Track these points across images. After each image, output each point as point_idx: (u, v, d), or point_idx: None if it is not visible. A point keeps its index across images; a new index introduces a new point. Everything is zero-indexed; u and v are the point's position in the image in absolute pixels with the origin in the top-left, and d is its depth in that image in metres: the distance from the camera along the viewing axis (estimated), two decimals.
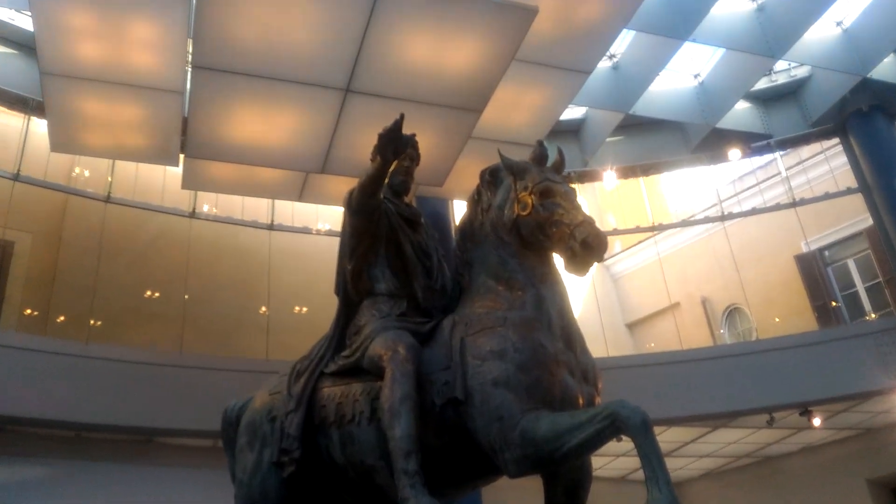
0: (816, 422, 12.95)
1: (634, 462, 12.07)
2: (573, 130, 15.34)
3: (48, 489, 10.49)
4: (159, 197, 13.36)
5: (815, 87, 14.75)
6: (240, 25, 8.40)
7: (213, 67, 8.99)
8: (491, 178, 3.81)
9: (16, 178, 12.07)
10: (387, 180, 3.99)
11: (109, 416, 10.33)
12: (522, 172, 3.63)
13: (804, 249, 15.53)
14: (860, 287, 14.98)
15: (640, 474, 2.92)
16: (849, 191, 14.52)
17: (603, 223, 16.87)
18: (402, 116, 3.65)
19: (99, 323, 12.62)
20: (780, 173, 16.03)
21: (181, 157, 11.19)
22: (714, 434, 14.10)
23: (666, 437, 13.24)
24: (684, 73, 14.63)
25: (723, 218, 15.77)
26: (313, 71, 9.17)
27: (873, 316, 14.52)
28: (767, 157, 16.05)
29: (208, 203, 13.85)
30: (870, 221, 14.28)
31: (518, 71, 10.03)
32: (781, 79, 15.11)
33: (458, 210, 12.95)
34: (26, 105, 12.25)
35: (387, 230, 3.97)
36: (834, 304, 15.07)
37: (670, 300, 16.16)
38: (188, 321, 13.07)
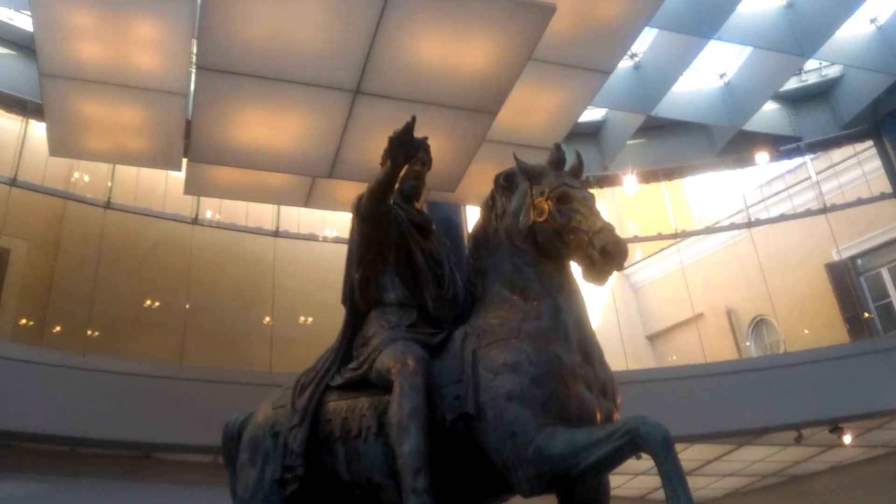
0: (847, 439, 12.85)
1: (655, 481, 12.03)
2: (592, 133, 15.34)
3: None
4: (161, 202, 13.43)
5: (848, 88, 14.69)
6: (245, 25, 8.44)
7: (217, 68, 9.04)
8: (506, 183, 3.80)
9: (13, 183, 12.17)
10: (397, 185, 4.00)
11: (106, 431, 10.37)
12: (539, 177, 3.63)
13: (835, 258, 15.43)
14: (894, 297, 14.86)
15: (661, 494, 2.91)
16: (882, 196, 14.43)
17: (623, 230, 16.80)
18: (413, 119, 3.66)
19: (97, 333, 12.69)
20: (810, 178, 15.94)
21: (184, 161, 11.26)
22: (739, 452, 14.02)
23: (688, 455, 13.17)
24: (709, 73, 14.61)
25: (749, 225, 15.70)
26: (321, 72, 9.21)
27: None
28: (797, 160, 15.99)
29: (211, 209, 13.92)
30: None
31: (535, 71, 10.04)
32: (812, 78, 15.07)
33: (472, 216, 12.95)
34: (24, 107, 12.36)
35: (397, 237, 3.97)
36: (867, 315, 14.95)
37: (693, 311, 16.09)
38: (189, 332, 13.13)
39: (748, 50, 13.81)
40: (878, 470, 14.70)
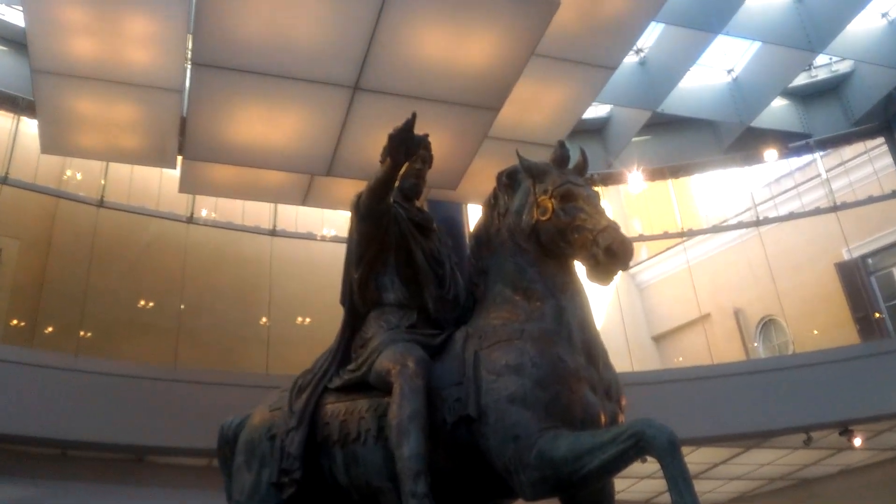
0: (857, 442, 12.87)
1: (660, 485, 12.03)
2: (597, 130, 15.34)
3: None
4: (155, 201, 13.45)
5: (858, 83, 14.70)
6: (242, 20, 8.44)
7: (213, 64, 9.04)
8: (508, 181, 3.80)
9: (4, 181, 12.20)
10: (397, 183, 4.00)
11: (99, 433, 10.38)
12: (542, 175, 3.63)
13: (845, 257, 15.44)
14: None
15: (667, 498, 2.91)
16: (894, 194, 14.45)
17: (628, 229, 16.82)
18: (414, 115, 3.65)
19: (89, 334, 12.71)
20: (819, 175, 15.95)
21: (179, 158, 11.26)
22: (746, 455, 14.03)
23: (694, 459, 13.19)
24: (717, 69, 14.62)
25: (758, 223, 15.71)
26: (320, 67, 9.21)
27: None
28: (806, 157, 15.99)
29: (207, 207, 13.93)
30: None
31: (538, 66, 10.04)
32: (822, 74, 15.08)
33: (473, 215, 12.95)
34: (16, 104, 12.39)
35: (397, 236, 3.97)
36: (877, 315, 14.96)
37: (700, 311, 16.11)
38: (184, 333, 13.15)
39: (757, 45, 13.81)
40: (888, 473, 14.71)
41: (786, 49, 13.02)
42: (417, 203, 4.30)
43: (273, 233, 14.20)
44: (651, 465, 3.22)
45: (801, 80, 14.83)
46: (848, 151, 15.64)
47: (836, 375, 12.43)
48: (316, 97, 9.62)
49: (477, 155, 10.75)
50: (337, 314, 4.13)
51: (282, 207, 14.16)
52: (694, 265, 16.48)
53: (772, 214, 15.86)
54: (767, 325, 16.66)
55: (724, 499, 16.40)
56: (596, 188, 3.70)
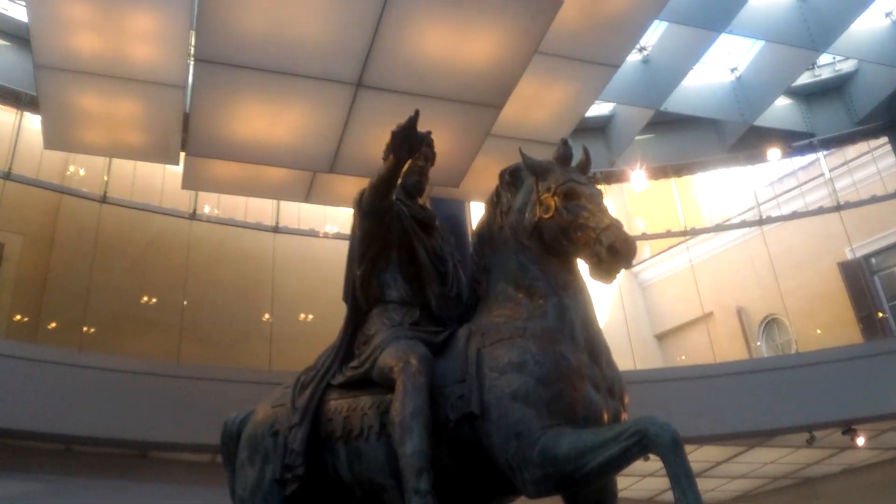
0: (860, 441, 12.86)
1: (663, 483, 12.04)
2: (600, 128, 15.34)
3: None
4: (158, 197, 13.46)
5: (862, 83, 14.68)
6: (245, 16, 8.45)
7: (216, 61, 9.04)
8: (511, 179, 3.80)
9: (7, 176, 12.21)
10: (400, 181, 4.00)
11: (102, 429, 10.39)
12: (545, 173, 3.63)
13: (849, 256, 15.42)
14: None
15: (669, 496, 2.91)
16: None
17: (631, 227, 16.82)
18: (416, 113, 3.65)
19: (92, 330, 12.73)
20: (823, 175, 15.94)
21: (182, 155, 11.27)
22: (749, 454, 14.03)
23: (697, 457, 13.19)
24: (720, 68, 14.60)
25: (761, 222, 15.70)
26: (322, 64, 9.21)
27: None
28: (810, 157, 15.98)
29: (209, 204, 13.94)
30: None
31: (541, 64, 10.04)
32: (825, 73, 15.06)
33: (476, 213, 12.95)
34: (19, 100, 12.39)
35: (399, 234, 3.97)
36: (880, 315, 14.95)
37: (703, 310, 16.09)
38: (187, 329, 13.16)
39: (760, 44, 13.80)
40: (891, 473, 14.71)
41: (789, 48, 13.00)
42: (420, 200, 4.31)
43: (276, 229, 14.21)
44: (654, 463, 3.23)
45: (805, 79, 14.81)
46: (851, 151, 15.63)
47: (838, 375, 12.43)
48: (319, 94, 9.62)
49: (479, 152, 10.75)
50: (340, 311, 4.14)
51: (284, 204, 14.17)
52: (697, 264, 16.47)
53: (775, 213, 15.85)
54: (770, 324, 16.66)
55: (726, 497, 16.41)
56: (599, 186, 3.73)
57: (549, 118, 11.31)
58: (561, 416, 3.20)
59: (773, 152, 15.00)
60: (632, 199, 18.42)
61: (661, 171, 15.71)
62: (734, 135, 15.03)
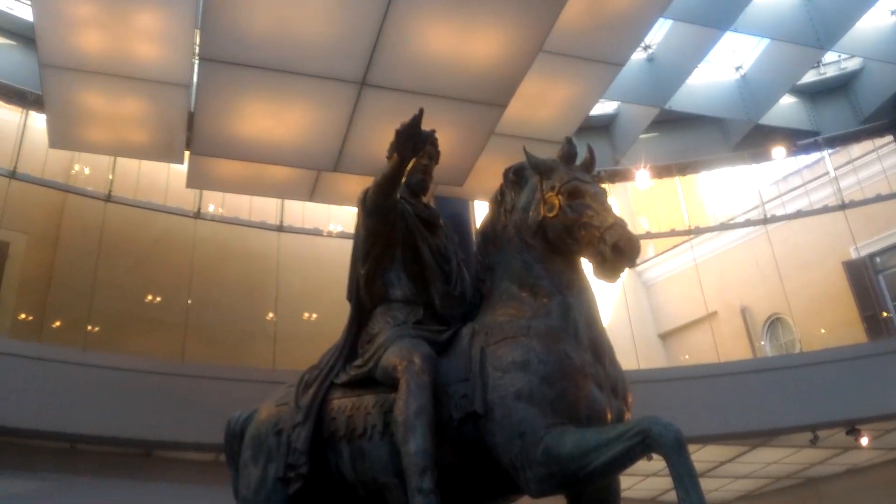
0: (864, 441, 12.84)
1: (666, 483, 12.02)
2: (604, 126, 15.32)
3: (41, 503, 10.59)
4: (162, 196, 13.48)
5: (867, 81, 14.64)
6: (250, 15, 8.45)
7: (221, 60, 9.05)
8: (515, 178, 3.79)
9: (12, 175, 12.24)
10: (404, 179, 4.00)
11: (106, 428, 10.41)
12: (549, 171, 3.62)
13: (853, 255, 15.39)
14: None
15: (673, 496, 2.91)
16: None
17: (635, 226, 16.81)
18: (421, 111, 3.64)
19: (97, 329, 12.75)
20: (828, 173, 15.91)
21: (186, 154, 11.29)
22: (753, 453, 14.02)
23: (701, 457, 13.17)
24: (725, 66, 14.58)
25: (765, 221, 15.67)
26: (327, 63, 9.21)
27: None
28: (814, 155, 15.96)
29: (214, 203, 13.95)
30: None
31: (545, 63, 10.03)
32: (830, 71, 15.03)
33: (480, 211, 12.96)
34: (24, 99, 12.42)
35: (403, 233, 3.97)
36: (885, 314, 14.91)
37: (707, 309, 16.07)
38: (191, 328, 13.18)
39: (765, 42, 13.77)
40: (895, 473, 14.67)
41: (794, 46, 12.97)
42: (424, 199, 4.30)
43: (280, 228, 14.23)
44: (657, 462, 3.22)
45: (810, 77, 14.78)
46: (856, 149, 15.59)
47: (843, 374, 12.40)
48: (323, 93, 9.62)
49: (484, 151, 10.74)
50: (343, 310, 4.14)
51: (289, 203, 14.18)
52: (701, 263, 16.45)
53: (779, 212, 15.82)
54: (774, 323, 16.63)
55: (730, 497, 16.39)
56: (603, 185, 3.71)
57: (554, 117, 11.30)
58: (564, 415, 3.19)
59: (778, 151, 14.98)
60: (636, 197, 18.42)
61: (666, 169, 15.70)
62: (739, 133, 15.01)
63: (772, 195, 16.42)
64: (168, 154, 11.40)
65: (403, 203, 4.01)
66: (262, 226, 14.13)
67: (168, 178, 13.37)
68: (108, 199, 13.00)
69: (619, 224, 3.32)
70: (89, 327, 12.52)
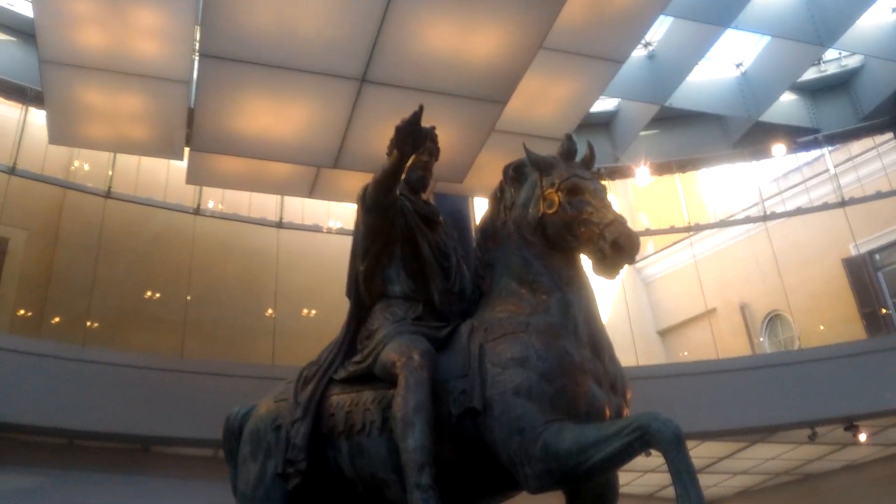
0: (862, 437, 12.84)
1: (664, 478, 11.99)
2: (604, 123, 15.32)
3: (39, 499, 10.58)
4: (162, 192, 13.48)
5: (868, 78, 14.64)
6: (250, 12, 8.45)
7: (221, 56, 9.05)
8: (515, 174, 3.79)
9: (12, 171, 12.22)
10: (404, 176, 4.01)
11: (105, 423, 10.41)
12: (549, 168, 3.62)
13: (853, 252, 15.40)
14: None
15: (671, 492, 2.91)
16: None
17: (635, 223, 16.81)
18: (420, 108, 3.65)
19: (96, 325, 12.76)
20: (828, 170, 15.90)
21: (186, 150, 11.29)
22: (751, 449, 14.02)
23: (699, 453, 13.17)
24: (725, 63, 14.57)
25: (765, 218, 15.67)
26: (327, 60, 9.21)
27: None
28: (815, 152, 15.95)
29: (214, 199, 13.95)
30: None
31: (546, 60, 10.02)
32: (831, 69, 15.03)
33: (480, 208, 12.95)
34: (24, 95, 12.41)
35: (403, 229, 3.97)
36: (884, 311, 14.92)
37: (706, 306, 16.08)
38: (190, 324, 13.18)
39: (766, 39, 13.77)
40: (893, 469, 14.68)
41: (795, 43, 12.97)
42: (424, 196, 4.31)
43: (280, 225, 14.23)
44: (656, 458, 3.22)
45: (810, 74, 14.78)
46: (856, 146, 15.59)
47: (841, 371, 12.40)
48: (323, 89, 9.62)
49: (483, 148, 10.75)
50: (343, 306, 4.14)
51: (288, 199, 14.18)
52: (700, 260, 16.46)
53: (779, 209, 15.82)
54: (773, 320, 16.64)
55: (728, 493, 16.40)
56: (603, 182, 3.70)
57: (554, 114, 11.30)
58: (563, 411, 3.19)
59: (778, 148, 14.98)
60: (636, 194, 18.42)
61: (666, 166, 15.69)
62: (739, 130, 15.01)
63: (772, 192, 16.43)
64: (168, 150, 11.40)
65: (403, 200, 4.01)
66: (262, 222, 14.13)
67: (168, 174, 13.37)
68: (108, 195, 12.99)
69: (619, 221, 3.32)
70: (89, 323, 12.53)
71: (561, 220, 3.47)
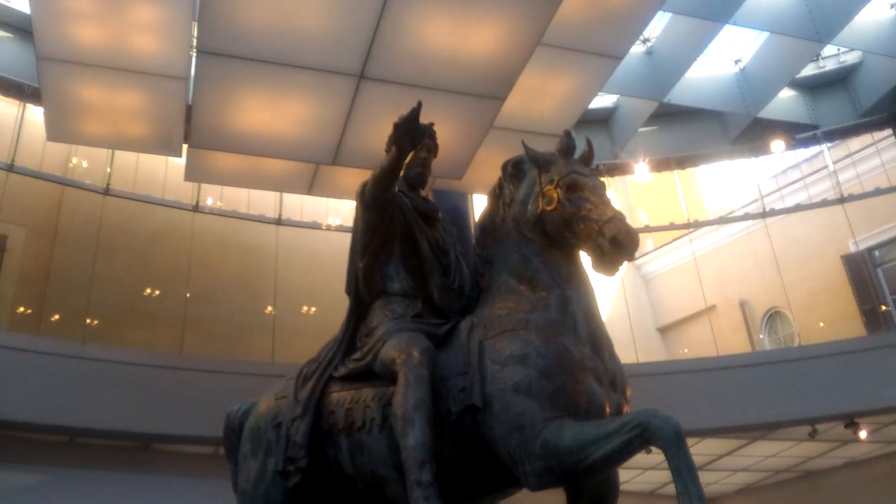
0: (862, 434, 12.85)
1: (665, 476, 12.01)
2: (603, 120, 15.31)
3: (39, 497, 10.58)
4: (161, 189, 13.46)
5: (867, 74, 14.64)
6: (247, 8, 8.44)
7: (219, 52, 9.03)
8: (514, 171, 3.78)
9: (10, 168, 12.21)
10: (402, 173, 4.00)
11: (105, 421, 10.42)
12: (548, 165, 3.61)
13: (852, 249, 15.40)
14: None
15: (671, 489, 2.91)
16: None
17: (634, 219, 16.79)
18: (419, 104, 3.64)
19: (95, 322, 12.75)
20: (826, 167, 15.90)
21: (184, 147, 11.27)
22: (751, 447, 14.03)
23: (699, 450, 13.19)
24: (724, 59, 14.57)
25: (764, 215, 15.68)
26: (325, 56, 9.20)
27: None
28: (813, 149, 15.96)
29: (212, 196, 13.94)
30: None
31: (544, 56, 10.01)
32: (830, 65, 15.03)
33: (479, 205, 12.95)
34: (22, 91, 12.40)
35: (402, 226, 3.97)
36: (883, 308, 14.93)
37: (706, 303, 16.09)
38: (189, 321, 13.18)
39: (764, 35, 13.77)
40: (893, 466, 14.71)
41: (794, 39, 12.97)
42: (423, 192, 4.30)
43: (278, 222, 14.22)
44: (656, 455, 3.22)
45: (809, 70, 14.79)
46: (855, 143, 15.59)
47: (841, 368, 12.42)
48: (321, 86, 9.61)
49: (482, 145, 10.74)
50: (342, 303, 4.14)
51: (287, 196, 14.17)
52: (700, 256, 16.46)
53: (778, 206, 15.82)
54: (773, 316, 16.65)
55: (728, 490, 16.42)
56: (602, 178, 3.70)
57: (553, 110, 11.29)
58: (563, 408, 3.19)
59: (777, 144, 14.98)
60: (635, 191, 18.40)
61: (665, 163, 15.70)
62: (738, 127, 15.01)
63: (771, 189, 16.43)
64: (166, 147, 11.38)
65: (402, 196, 4.01)
66: (261, 219, 14.13)
67: (166, 171, 13.35)
68: (107, 192, 12.98)
69: (618, 217, 3.32)
70: (88, 320, 12.51)
71: (560, 216, 3.47)
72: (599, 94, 12.66)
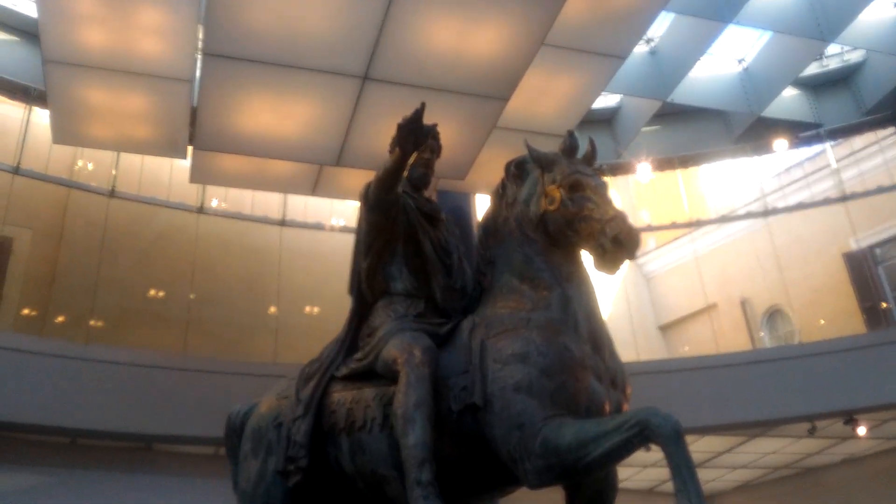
0: (862, 431, 12.86)
1: (663, 473, 12.05)
2: (606, 120, 15.31)
3: (42, 498, 10.62)
4: (166, 191, 13.50)
5: (870, 73, 14.64)
6: (252, 10, 8.46)
7: (224, 55, 9.06)
8: (516, 171, 3.78)
9: (16, 171, 12.26)
10: (406, 173, 4.01)
11: (108, 422, 10.44)
12: (550, 165, 3.61)
13: (853, 247, 15.39)
14: None
15: (670, 486, 2.92)
16: None
17: (636, 219, 16.80)
18: (422, 105, 3.65)
19: (100, 323, 12.79)
20: (829, 165, 15.89)
21: (189, 149, 11.29)
22: (751, 444, 14.04)
23: (699, 447, 13.20)
24: (727, 58, 14.57)
25: (766, 213, 15.69)
26: (329, 58, 9.22)
27: None
28: (816, 147, 15.95)
29: (217, 198, 13.98)
30: None
31: (547, 56, 10.02)
32: (833, 64, 15.02)
33: (481, 205, 12.95)
34: (28, 94, 12.43)
35: (405, 226, 3.97)
36: (884, 305, 14.92)
37: (707, 301, 16.10)
38: (193, 322, 13.22)
39: (767, 34, 13.76)
40: (892, 462, 14.70)
41: (797, 39, 12.96)
42: (426, 193, 4.31)
43: (282, 223, 14.25)
44: (655, 453, 3.23)
45: (812, 69, 14.77)
46: (858, 141, 15.58)
47: (841, 365, 12.41)
48: (326, 87, 9.63)
49: (485, 145, 10.75)
50: (345, 304, 4.15)
51: (291, 197, 14.20)
52: (701, 255, 16.47)
53: (780, 205, 15.82)
54: (774, 314, 16.64)
55: (728, 487, 16.42)
56: (604, 178, 3.70)
57: (556, 110, 11.30)
58: (564, 407, 3.19)
59: (780, 143, 14.98)
60: (638, 190, 18.39)
61: (667, 162, 15.70)
62: (741, 126, 15.00)
63: (773, 188, 16.43)
64: (171, 149, 11.40)
65: (405, 197, 4.01)
66: (265, 220, 14.16)
67: (171, 173, 13.40)
68: (112, 194, 13.03)
69: (620, 217, 3.32)
70: (92, 322, 12.56)
71: (562, 216, 3.47)
72: (603, 93, 12.66)
